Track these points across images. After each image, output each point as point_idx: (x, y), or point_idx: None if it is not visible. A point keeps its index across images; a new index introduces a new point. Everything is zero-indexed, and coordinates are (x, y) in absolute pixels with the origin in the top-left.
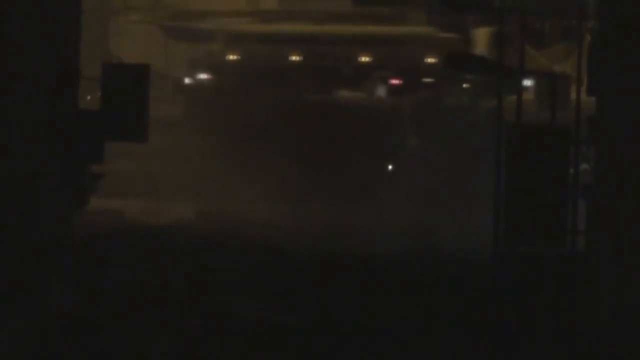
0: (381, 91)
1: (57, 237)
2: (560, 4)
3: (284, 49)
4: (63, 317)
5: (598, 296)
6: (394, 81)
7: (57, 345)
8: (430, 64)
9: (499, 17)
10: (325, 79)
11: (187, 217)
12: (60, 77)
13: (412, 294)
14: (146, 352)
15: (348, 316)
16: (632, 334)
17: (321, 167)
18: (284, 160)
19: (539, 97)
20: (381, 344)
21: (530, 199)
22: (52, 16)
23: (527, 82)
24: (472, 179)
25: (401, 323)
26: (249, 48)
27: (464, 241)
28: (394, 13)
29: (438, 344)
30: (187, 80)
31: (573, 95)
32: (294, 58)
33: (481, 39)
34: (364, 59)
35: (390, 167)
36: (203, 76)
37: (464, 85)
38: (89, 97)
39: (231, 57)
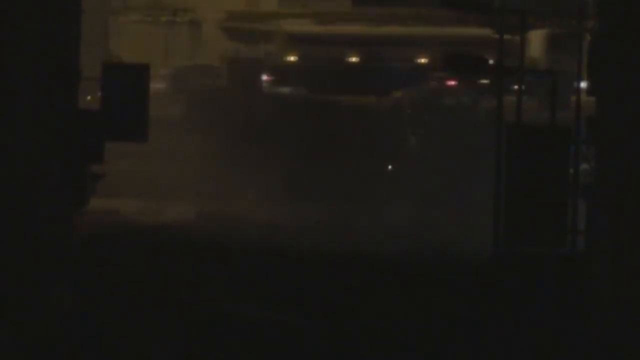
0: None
1: (57, 237)
2: (561, 4)
3: (342, 50)
4: (63, 317)
5: (598, 296)
6: (451, 82)
7: (57, 345)
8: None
9: (499, 17)
10: (381, 80)
11: (187, 217)
12: (60, 77)
13: (412, 293)
14: (146, 352)
15: (348, 316)
16: (632, 333)
17: (321, 167)
18: (285, 160)
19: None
20: (381, 343)
21: (530, 199)
22: (52, 16)
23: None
24: (472, 179)
25: (401, 323)
26: (308, 49)
27: (464, 241)
28: (452, 15)
29: (438, 344)
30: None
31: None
32: (352, 59)
33: (536, 40)
34: (421, 60)
35: (390, 167)
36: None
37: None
38: (89, 97)
39: (290, 58)
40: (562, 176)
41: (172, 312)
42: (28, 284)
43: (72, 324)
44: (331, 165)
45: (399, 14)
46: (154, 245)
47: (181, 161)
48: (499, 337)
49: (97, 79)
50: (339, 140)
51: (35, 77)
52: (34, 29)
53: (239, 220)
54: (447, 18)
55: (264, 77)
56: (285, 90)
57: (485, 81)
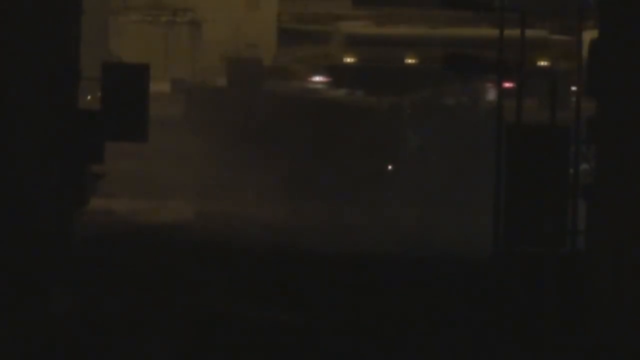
0: (492, 94)
1: (57, 237)
2: (561, 3)
3: (399, 51)
4: (63, 317)
5: (598, 296)
6: (506, 84)
7: (57, 346)
8: (543, 67)
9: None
10: (438, 81)
11: (187, 217)
12: (60, 77)
13: (412, 293)
14: (146, 352)
15: (348, 316)
16: (632, 333)
17: (321, 167)
18: (284, 160)
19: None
20: (381, 343)
21: (530, 199)
22: (52, 16)
23: None
24: (472, 179)
25: (401, 322)
26: (365, 50)
27: (464, 241)
28: (513, 16)
29: (438, 344)
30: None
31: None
32: (409, 60)
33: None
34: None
35: (390, 167)
36: (319, 78)
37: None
38: (89, 97)
39: (347, 59)
40: (562, 176)
41: (172, 312)
42: (28, 284)
43: (72, 324)
44: (331, 165)
45: (457, 15)
46: (154, 245)
47: (181, 161)
48: (499, 337)
49: (97, 79)
50: (339, 140)
51: (35, 77)
52: (34, 29)
53: (239, 220)
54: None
55: (321, 78)
56: (341, 91)
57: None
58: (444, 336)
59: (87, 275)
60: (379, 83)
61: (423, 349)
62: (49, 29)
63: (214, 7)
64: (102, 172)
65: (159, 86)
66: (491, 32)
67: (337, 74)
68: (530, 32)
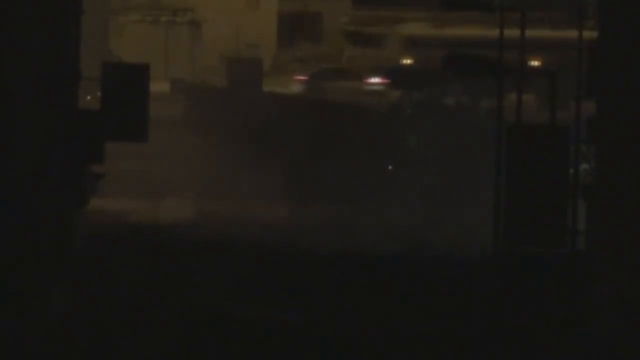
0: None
1: (57, 237)
2: (561, 4)
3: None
4: (63, 317)
5: (598, 296)
6: None
7: (56, 346)
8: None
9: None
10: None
11: (187, 217)
12: (60, 77)
13: (411, 293)
14: (146, 352)
15: (348, 316)
16: (632, 333)
17: (321, 167)
18: (284, 161)
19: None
20: (381, 343)
21: (530, 199)
22: (52, 16)
23: None
24: (472, 179)
25: (401, 322)
26: (423, 52)
27: (464, 241)
28: (568, 17)
29: (438, 344)
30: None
31: None
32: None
33: None
34: (533, 62)
35: (390, 167)
36: (376, 79)
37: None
38: (89, 97)
39: (405, 60)
40: (562, 176)
41: (171, 311)
42: (28, 284)
43: (72, 324)
44: (331, 165)
45: (515, 17)
46: (154, 245)
47: (181, 161)
48: (499, 337)
49: (97, 79)
50: (338, 140)
51: (35, 77)
52: (34, 29)
53: (239, 219)
54: (563, 21)
55: (378, 80)
56: (397, 93)
57: None
58: (444, 336)
59: (87, 275)
60: (436, 84)
61: (423, 348)
62: (49, 29)
63: (214, 7)
64: (102, 172)
65: (159, 86)
66: (547, 33)
67: (396, 75)
68: (585, 34)
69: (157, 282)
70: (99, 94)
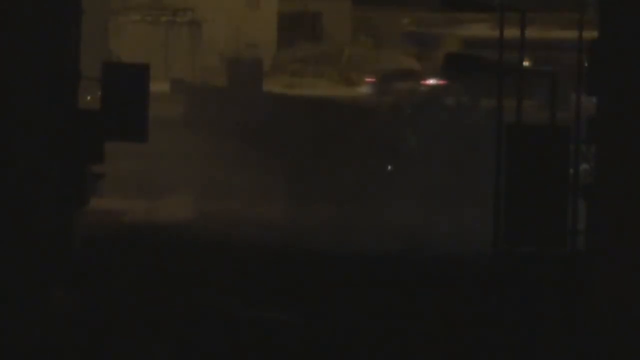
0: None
1: (57, 237)
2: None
3: (513, 54)
4: (63, 317)
5: (598, 296)
6: None
7: (57, 346)
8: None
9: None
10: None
11: (187, 217)
12: (60, 77)
13: (411, 293)
14: (146, 352)
15: (348, 316)
16: (632, 334)
17: (321, 166)
18: (284, 161)
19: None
20: (381, 343)
21: (530, 199)
22: (52, 16)
23: None
24: (472, 179)
25: (401, 322)
26: (482, 53)
27: (464, 241)
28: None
29: (438, 344)
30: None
31: None
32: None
33: None
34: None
35: (390, 167)
36: (432, 81)
37: None
38: (89, 97)
39: None
40: (562, 176)
41: (171, 311)
42: (28, 284)
43: (72, 324)
44: (331, 165)
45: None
46: (154, 245)
47: (181, 161)
48: (499, 337)
49: (97, 79)
50: (338, 140)
51: (35, 77)
52: (34, 29)
53: (239, 219)
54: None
55: (435, 81)
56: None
57: None
58: (443, 336)
59: (87, 275)
60: (492, 86)
61: (423, 348)
62: (49, 29)
63: (214, 7)
64: (102, 172)
65: (159, 86)
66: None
67: (452, 77)
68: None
69: (157, 282)
70: (99, 94)
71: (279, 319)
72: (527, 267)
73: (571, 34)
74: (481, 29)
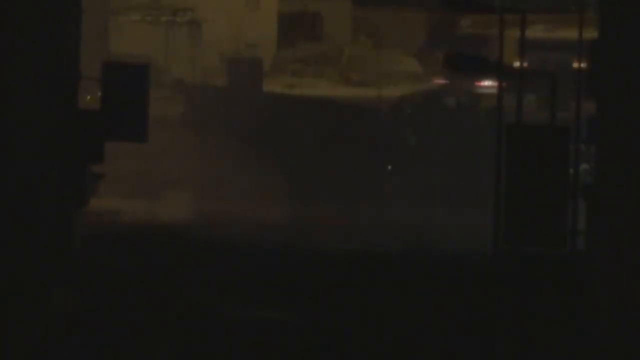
0: None
1: (57, 237)
2: (561, 3)
3: (568, 56)
4: (63, 317)
5: (598, 296)
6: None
7: (57, 345)
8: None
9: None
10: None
11: (188, 217)
12: (60, 77)
13: (411, 293)
14: (146, 352)
15: (348, 316)
16: (632, 334)
17: (321, 167)
18: (284, 161)
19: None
20: (381, 343)
21: (530, 199)
22: (52, 16)
23: None
24: (472, 179)
25: (400, 322)
26: (536, 55)
27: (464, 241)
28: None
29: (438, 344)
30: None
31: None
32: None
33: None
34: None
35: (390, 167)
36: (488, 83)
37: None
38: (88, 97)
39: (517, 64)
40: (562, 176)
41: (171, 312)
42: (28, 284)
43: (72, 323)
44: (331, 165)
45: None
46: (154, 245)
47: (181, 161)
48: (499, 337)
49: (97, 79)
50: (338, 140)
51: (35, 77)
52: (34, 29)
53: (239, 219)
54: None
55: (490, 83)
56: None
57: None
58: (443, 336)
59: (87, 275)
60: (550, 88)
61: (423, 348)
62: (49, 29)
63: (214, 7)
64: (102, 172)
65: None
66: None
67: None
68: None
69: (157, 282)
70: (99, 94)
71: (278, 319)
72: (527, 267)
73: (571, 34)
74: (537, 30)
